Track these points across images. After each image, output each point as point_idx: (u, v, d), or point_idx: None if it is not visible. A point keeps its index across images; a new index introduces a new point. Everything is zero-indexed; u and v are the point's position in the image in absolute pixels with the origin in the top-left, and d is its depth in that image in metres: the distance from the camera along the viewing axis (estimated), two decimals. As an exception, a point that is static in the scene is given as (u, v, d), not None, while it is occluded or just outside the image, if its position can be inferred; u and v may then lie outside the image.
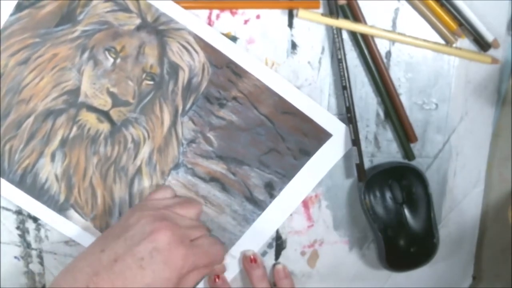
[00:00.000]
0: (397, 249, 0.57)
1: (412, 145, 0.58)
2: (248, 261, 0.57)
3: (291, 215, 0.59)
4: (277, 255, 0.60)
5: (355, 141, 0.56)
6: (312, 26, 0.55)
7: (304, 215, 0.59)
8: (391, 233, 0.57)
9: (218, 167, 0.56)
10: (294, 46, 0.55)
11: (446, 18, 0.55)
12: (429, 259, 0.58)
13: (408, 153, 0.58)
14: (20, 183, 0.55)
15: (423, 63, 0.57)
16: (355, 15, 0.54)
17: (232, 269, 0.59)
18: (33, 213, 0.56)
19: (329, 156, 0.57)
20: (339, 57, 0.54)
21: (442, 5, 0.55)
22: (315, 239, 0.60)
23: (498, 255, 0.62)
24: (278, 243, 0.60)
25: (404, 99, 0.57)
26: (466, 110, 0.58)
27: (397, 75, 0.57)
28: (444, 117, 0.58)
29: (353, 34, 0.55)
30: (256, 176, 0.56)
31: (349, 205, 0.59)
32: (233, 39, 0.55)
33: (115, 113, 0.54)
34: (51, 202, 0.56)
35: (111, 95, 0.53)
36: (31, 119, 0.54)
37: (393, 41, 0.56)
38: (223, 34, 0.54)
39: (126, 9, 0.52)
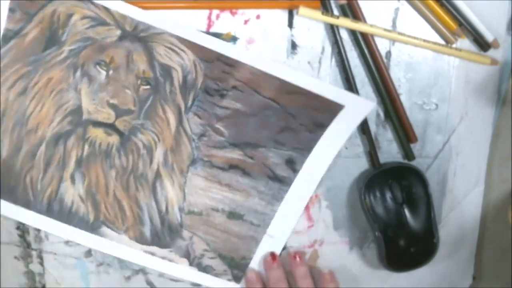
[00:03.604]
0: (397, 249, 0.57)
1: (412, 145, 0.58)
2: (292, 258, 0.57)
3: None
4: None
5: (365, 129, 0.56)
6: (312, 26, 0.55)
7: (304, 215, 0.59)
8: (391, 233, 0.57)
9: (234, 154, 0.56)
10: (294, 46, 0.55)
11: (446, 18, 0.55)
12: (429, 259, 0.58)
13: (408, 153, 0.58)
14: (48, 211, 0.55)
15: (423, 63, 0.57)
16: (355, 15, 0.54)
17: (272, 249, 0.58)
18: (67, 238, 0.57)
19: (345, 125, 0.56)
20: (338, 50, 0.55)
21: (442, 5, 0.55)
22: (315, 239, 0.60)
23: (498, 255, 0.62)
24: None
25: (404, 99, 0.57)
26: (466, 110, 0.58)
27: (397, 75, 0.57)
28: (444, 117, 0.58)
29: (353, 34, 0.55)
30: (274, 156, 0.56)
31: (349, 205, 0.59)
32: (233, 39, 0.55)
33: (121, 124, 0.54)
34: (82, 224, 0.56)
35: (112, 106, 0.54)
36: (43, 147, 0.54)
37: (393, 41, 0.56)
38: (222, 34, 0.54)
39: (104, 23, 0.52)
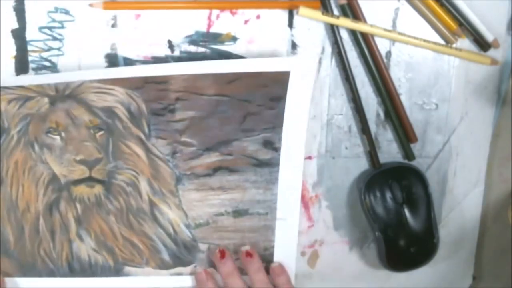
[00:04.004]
0: (397, 249, 0.58)
1: (412, 145, 0.58)
2: (244, 256, 0.57)
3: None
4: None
5: (364, 129, 0.56)
6: (312, 26, 0.55)
7: (304, 216, 0.59)
8: (391, 233, 0.57)
9: (212, 158, 0.56)
10: (294, 46, 0.55)
11: (446, 18, 0.55)
12: (429, 259, 0.58)
13: (408, 153, 0.58)
14: (72, 272, 0.57)
15: (423, 63, 0.57)
16: (356, 15, 0.54)
17: (289, 232, 0.58)
18: None
19: (302, 87, 0.55)
20: (338, 50, 0.55)
21: (442, 5, 0.55)
22: (315, 239, 0.60)
23: (498, 255, 0.62)
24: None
25: (404, 99, 0.57)
26: (466, 110, 0.58)
27: (397, 75, 0.57)
28: (444, 117, 0.58)
29: (353, 34, 0.55)
30: (249, 144, 0.56)
31: (349, 205, 0.60)
32: (233, 39, 0.55)
33: (97, 173, 0.55)
34: (106, 271, 0.57)
35: (82, 162, 0.55)
36: (41, 221, 0.56)
37: (393, 41, 0.56)
38: (222, 34, 0.54)
39: (28, 98, 0.53)
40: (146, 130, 0.55)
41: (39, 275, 0.57)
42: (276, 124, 0.56)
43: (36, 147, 0.54)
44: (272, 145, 0.56)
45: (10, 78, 0.54)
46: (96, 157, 0.55)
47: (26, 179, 0.55)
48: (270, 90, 0.55)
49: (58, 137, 0.54)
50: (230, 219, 0.57)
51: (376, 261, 0.59)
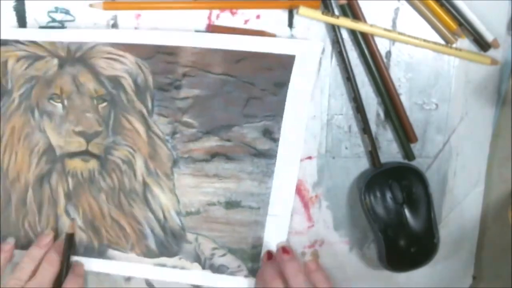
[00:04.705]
0: (397, 249, 0.57)
1: (412, 145, 0.58)
2: (281, 253, 0.56)
3: (291, 215, 0.59)
4: (277, 255, 0.60)
5: (365, 128, 0.56)
6: (312, 26, 0.55)
7: (305, 216, 0.59)
8: (391, 233, 0.57)
9: (211, 142, 0.56)
10: (294, 46, 0.55)
11: (446, 18, 0.55)
12: (429, 259, 0.58)
13: (408, 153, 0.58)
14: None
15: (423, 63, 0.57)
16: (356, 15, 0.54)
17: (279, 229, 0.58)
18: None
19: (305, 74, 0.55)
20: (339, 49, 0.55)
21: (442, 5, 0.55)
22: (316, 239, 0.60)
23: (498, 255, 0.62)
24: (278, 243, 0.60)
25: (404, 99, 0.57)
26: (466, 110, 0.58)
27: (397, 75, 0.57)
28: (444, 117, 0.58)
29: (353, 34, 0.55)
30: (249, 131, 0.56)
31: (349, 206, 0.59)
32: (233, 39, 0.55)
33: (94, 147, 0.55)
34: (89, 252, 0.57)
35: (80, 134, 0.54)
36: (30, 192, 0.55)
37: (393, 41, 0.56)
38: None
39: (38, 57, 0.53)
40: (150, 105, 0.54)
41: (21, 247, 0.56)
42: (277, 112, 0.55)
43: (36, 114, 0.54)
44: (271, 135, 0.56)
45: (24, 30, 0.53)
46: (96, 130, 0.54)
47: (21, 146, 0.54)
48: (274, 74, 0.54)
49: (60, 105, 0.54)
50: (221, 210, 0.57)
51: (376, 261, 0.59)
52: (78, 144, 0.54)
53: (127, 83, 0.54)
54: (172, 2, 0.54)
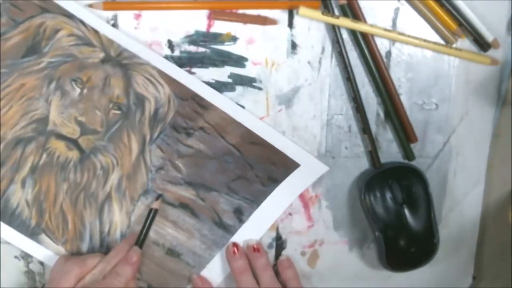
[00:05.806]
0: (397, 249, 0.58)
1: (412, 145, 0.58)
2: (251, 251, 0.57)
3: (291, 215, 0.59)
4: (278, 255, 0.60)
5: (365, 128, 0.56)
6: (312, 26, 0.55)
7: (304, 215, 0.59)
8: (391, 233, 0.57)
9: (187, 193, 0.57)
10: (294, 46, 0.55)
11: (446, 18, 0.55)
12: (429, 259, 0.58)
13: (408, 153, 0.58)
14: None
15: (423, 63, 0.57)
16: (356, 15, 0.54)
17: None
18: (5, 238, 0.57)
19: (297, 184, 0.57)
20: (339, 49, 0.55)
21: (442, 5, 0.55)
22: (315, 239, 0.60)
23: (498, 255, 0.62)
24: (279, 243, 0.60)
25: (404, 99, 0.57)
26: (466, 110, 0.58)
27: (397, 75, 0.57)
28: (444, 117, 0.58)
29: (353, 34, 0.55)
30: (225, 202, 0.57)
31: (349, 205, 0.60)
32: (233, 39, 0.55)
33: (83, 141, 0.55)
34: (23, 227, 0.57)
35: (79, 123, 0.54)
36: (1, 147, 0.55)
37: (393, 41, 0.56)
38: (222, 34, 0.54)
39: (90, 43, 0.53)
40: (155, 135, 0.55)
41: None
42: (257, 200, 0.57)
43: (53, 86, 0.54)
44: (240, 216, 0.57)
45: (93, 16, 0.53)
46: (96, 128, 0.55)
47: (19, 104, 0.54)
48: (274, 169, 0.57)
49: (79, 90, 0.54)
50: (161, 252, 0.58)
51: (376, 261, 0.59)
52: (72, 130, 0.55)
53: (149, 107, 0.55)
54: (172, 2, 0.54)
